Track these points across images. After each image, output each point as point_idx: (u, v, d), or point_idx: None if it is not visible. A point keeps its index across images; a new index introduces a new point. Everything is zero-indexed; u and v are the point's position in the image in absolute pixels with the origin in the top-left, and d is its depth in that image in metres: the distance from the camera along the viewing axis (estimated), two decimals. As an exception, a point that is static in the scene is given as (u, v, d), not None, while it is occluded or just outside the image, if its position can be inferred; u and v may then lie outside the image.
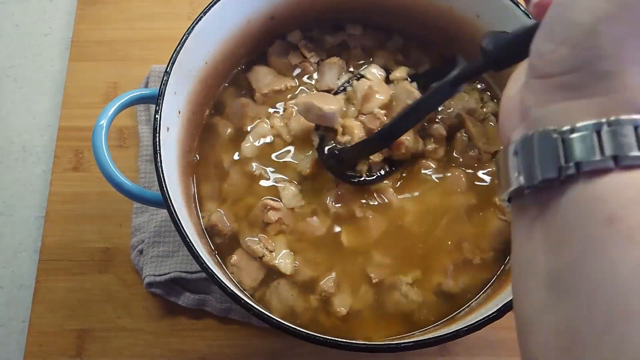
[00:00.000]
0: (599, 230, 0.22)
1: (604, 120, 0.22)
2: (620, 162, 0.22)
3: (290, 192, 0.52)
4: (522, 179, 0.25)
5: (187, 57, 0.48)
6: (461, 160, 0.55)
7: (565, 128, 0.23)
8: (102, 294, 0.57)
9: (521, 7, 0.50)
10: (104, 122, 0.45)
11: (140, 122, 0.63)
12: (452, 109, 0.56)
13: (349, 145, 0.50)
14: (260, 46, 0.58)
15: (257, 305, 0.42)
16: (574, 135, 0.23)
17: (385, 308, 0.50)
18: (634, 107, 0.22)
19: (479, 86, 0.59)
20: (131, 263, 0.58)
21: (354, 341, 0.42)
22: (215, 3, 0.49)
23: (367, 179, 0.51)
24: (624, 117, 0.22)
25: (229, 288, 0.41)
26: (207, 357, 0.55)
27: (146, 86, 0.64)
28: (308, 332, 0.41)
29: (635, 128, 0.22)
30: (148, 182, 0.60)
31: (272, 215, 0.51)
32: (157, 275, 0.55)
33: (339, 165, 0.51)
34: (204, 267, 0.41)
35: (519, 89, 0.27)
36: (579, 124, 0.23)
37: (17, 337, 0.57)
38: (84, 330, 0.56)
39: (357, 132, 0.50)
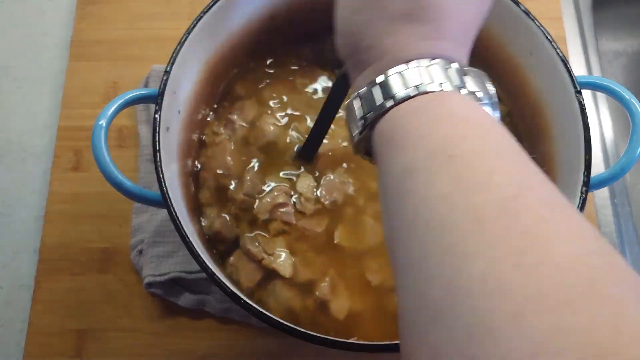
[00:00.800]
0: (385, 149, 0.29)
1: (382, 75, 0.30)
2: (396, 100, 0.29)
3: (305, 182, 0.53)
4: (353, 129, 0.33)
5: (187, 57, 0.48)
6: None
7: (364, 88, 0.31)
8: (102, 294, 0.57)
9: (521, 6, 0.50)
10: (103, 121, 0.45)
11: (140, 122, 0.63)
12: None
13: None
14: (260, 46, 0.58)
15: (257, 305, 0.42)
16: (369, 89, 0.31)
17: (386, 309, 0.49)
18: (398, 59, 0.30)
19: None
20: (131, 263, 0.58)
21: (354, 341, 0.42)
22: (215, 3, 0.49)
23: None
24: (390, 69, 0.30)
25: (229, 288, 0.41)
26: (206, 357, 0.55)
27: (146, 86, 0.64)
28: (308, 332, 0.40)
29: (400, 73, 0.30)
30: (148, 182, 0.60)
31: (282, 216, 0.51)
32: (157, 275, 0.55)
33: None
34: (203, 267, 0.41)
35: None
36: (369, 83, 0.31)
37: (17, 337, 0.57)
38: (84, 330, 0.56)
39: None
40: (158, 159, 0.44)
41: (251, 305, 0.40)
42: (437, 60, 0.30)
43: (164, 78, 0.46)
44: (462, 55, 0.32)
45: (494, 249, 0.22)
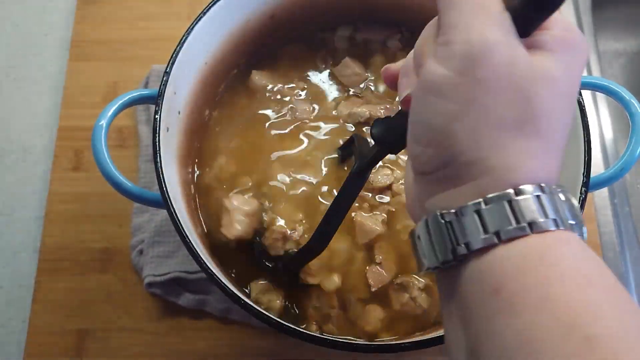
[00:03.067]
0: (488, 301, 0.24)
1: (480, 200, 0.25)
2: (502, 236, 0.24)
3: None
4: (426, 262, 0.28)
5: (187, 57, 0.48)
6: None
7: (452, 211, 0.26)
8: (102, 294, 0.57)
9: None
10: (103, 122, 0.45)
11: (140, 122, 0.63)
12: None
13: (290, 255, 0.49)
14: (260, 46, 0.58)
15: (257, 305, 0.42)
16: (459, 217, 0.26)
17: (391, 306, 0.49)
18: (504, 183, 0.25)
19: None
20: (131, 263, 0.58)
21: (354, 341, 0.42)
22: (215, 3, 0.49)
23: None
24: (494, 194, 0.25)
25: (229, 288, 0.41)
26: (206, 357, 0.55)
27: (146, 86, 0.64)
28: (308, 332, 0.40)
29: (509, 202, 0.25)
30: (148, 182, 0.60)
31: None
32: (157, 276, 0.55)
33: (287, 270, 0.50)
34: (203, 267, 0.41)
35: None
36: (459, 208, 0.26)
37: (17, 337, 0.57)
38: (84, 330, 0.56)
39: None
40: (158, 159, 0.44)
41: (251, 305, 0.40)
42: (547, 187, 0.25)
43: (164, 78, 0.46)
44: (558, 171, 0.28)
45: None
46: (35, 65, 0.69)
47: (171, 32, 0.55)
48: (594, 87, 0.49)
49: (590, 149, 0.45)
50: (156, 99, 0.46)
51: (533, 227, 0.24)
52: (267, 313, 0.41)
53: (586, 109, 0.46)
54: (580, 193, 0.44)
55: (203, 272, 0.41)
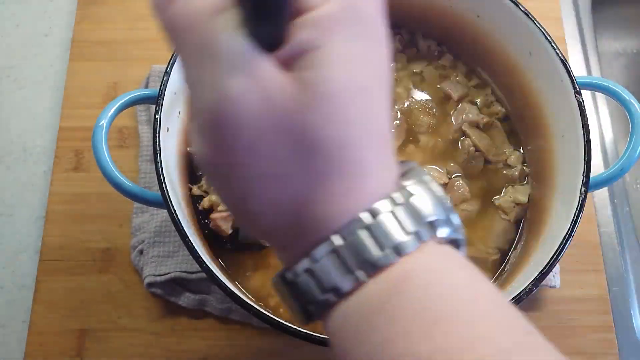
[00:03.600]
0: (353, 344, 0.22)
1: (334, 239, 0.22)
2: (367, 272, 0.22)
3: None
4: (297, 318, 0.24)
5: (187, 57, 0.48)
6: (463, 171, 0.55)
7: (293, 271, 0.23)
8: (103, 294, 0.57)
9: (521, 7, 0.50)
10: (104, 122, 0.45)
11: (140, 122, 0.63)
12: (453, 124, 0.56)
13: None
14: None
15: (257, 305, 0.42)
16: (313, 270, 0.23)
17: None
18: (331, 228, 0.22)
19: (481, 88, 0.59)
20: (131, 263, 0.58)
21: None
22: (215, 3, 0.49)
23: None
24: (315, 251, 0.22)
25: (229, 288, 0.41)
26: (207, 357, 0.55)
27: (146, 86, 0.64)
28: (308, 332, 0.41)
29: (367, 228, 0.22)
30: (148, 182, 0.60)
31: None
32: (158, 276, 0.55)
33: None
34: (204, 267, 0.41)
35: None
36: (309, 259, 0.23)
37: (18, 337, 0.57)
38: (85, 330, 0.56)
39: None
40: (158, 159, 0.44)
41: (251, 305, 0.40)
42: (398, 195, 0.22)
43: (164, 79, 0.46)
44: (394, 170, 0.24)
45: None
46: (35, 65, 0.69)
47: (171, 32, 0.55)
48: (594, 87, 0.49)
49: (590, 149, 0.45)
50: (156, 99, 0.46)
51: (397, 250, 0.21)
52: (267, 313, 0.41)
53: (586, 109, 0.46)
54: (580, 193, 0.44)
55: (203, 272, 0.41)
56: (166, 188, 0.43)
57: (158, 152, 0.44)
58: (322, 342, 0.40)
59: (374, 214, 0.22)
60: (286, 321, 0.41)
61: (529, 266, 0.46)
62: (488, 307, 0.22)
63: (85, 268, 0.58)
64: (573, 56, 0.69)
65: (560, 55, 0.48)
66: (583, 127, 0.46)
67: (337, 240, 0.22)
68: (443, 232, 0.23)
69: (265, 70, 0.20)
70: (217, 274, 0.41)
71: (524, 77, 0.53)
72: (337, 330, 0.22)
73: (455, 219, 0.24)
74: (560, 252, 0.42)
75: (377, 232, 0.21)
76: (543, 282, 0.42)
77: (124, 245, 0.59)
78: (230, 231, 0.51)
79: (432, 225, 0.22)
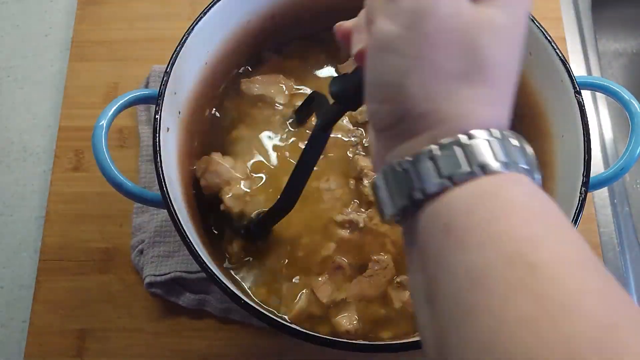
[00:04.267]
0: (441, 241, 0.25)
1: (433, 147, 0.26)
2: (455, 179, 0.25)
3: None
4: (386, 210, 0.28)
5: (187, 57, 0.48)
6: None
7: (407, 159, 0.27)
8: (103, 294, 0.57)
9: (521, 7, 0.50)
10: (104, 122, 0.45)
11: (140, 122, 0.63)
12: None
13: (259, 217, 0.50)
14: (261, 46, 0.58)
15: (257, 305, 0.42)
16: (414, 164, 0.26)
17: (391, 305, 0.50)
18: (456, 130, 0.26)
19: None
20: (131, 263, 0.58)
21: (354, 341, 0.42)
22: (215, 3, 0.49)
23: None
24: (447, 140, 0.26)
25: (229, 288, 0.41)
26: (207, 357, 0.55)
27: (146, 86, 0.64)
28: (308, 332, 0.41)
29: (461, 146, 0.25)
30: (148, 182, 0.60)
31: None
32: (158, 275, 0.55)
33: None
34: (203, 267, 0.41)
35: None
36: (414, 155, 0.27)
37: (18, 337, 0.57)
38: (84, 330, 0.56)
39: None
40: (158, 159, 0.44)
41: (251, 305, 0.40)
42: (498, 132, 0.26)
43: (164, 79, 0.46)
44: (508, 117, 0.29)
45: None
46: (35, 65, 0.69)
47: (172, 32, 0.55)
48: (594, 87, 0.49)
49: (590, 149, 0.45)
50: (156, 99, 0.46)
51: (484, 169, 0.25)
52: (267, 313, 0.41)
53: (586, 109, 0.46)
54: (580, 193, 0.44)
55: (203, 272, 0.41)
56: (166, 188, 0.43)
57: (158, 151, 0.44)
58: (323, 342, 0.40)
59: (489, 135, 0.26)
60: (286, 321, 0.41)
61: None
62: (573, 235, 0.24)
63: (85, 268, 0.58)
64: (573, 56, 0.69)
65: (560, 55, 0.48)
66: (583, 127, 0.46)
67: (463, 138, 0.26)
68: (529, 175, 0.26)
69: None
70: (217, 274, 0.41)
71: (523, 76, 0.53)
72: (424, 226, 0.26)
73: (538, 178, 0.27)
74: (560, 252, 0.42)
75: (483, 147, 0.26)
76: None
77: (124, 245, 0.59)
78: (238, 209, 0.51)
79: (518, 167, 0.26)
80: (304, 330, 0.41)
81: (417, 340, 0.41)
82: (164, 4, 0.69)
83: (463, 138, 0.26)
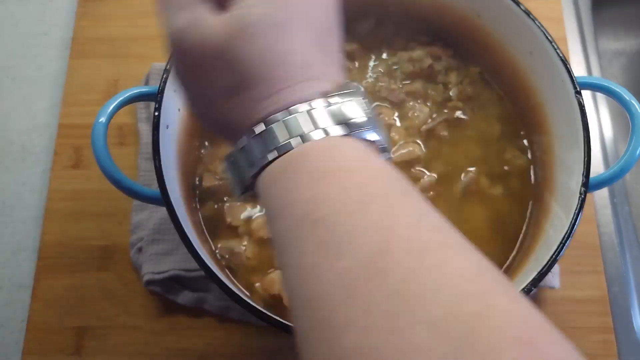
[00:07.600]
0: (268, 212, 0.28)
1: (257, 128, 0.29)
2: (277, 152, 0.28)
3: None
4: (235, 192, 0.31)
5: (187, 55, 0.48)
6: None
7: (238, 147, 0.30)
8: (101, 291, 0.57)
9: (522, 6, 0.50)
10: (103, 119, 0.45)
11: (140, 119, 0.63)
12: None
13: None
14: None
15: (256, 304, 0.42)
16: (242, 151, 0.30)
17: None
18: (279, 109, 0.29)
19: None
20: (130, 261, 0.58)
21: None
22: (215, 1, 0.49)
23: None
24: (273, 117, 0.28)
25: (228, 287, 0.41)
26: (205, 355, 0.55)
27: (146, 84, 0.64)
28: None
29: (284, 123, 0.28)
30: (148, 180, 0.60)
31: None
32: (156, 273, 0.55)
33: None
34: (202, 265, 0.41)
35: None
36: (241, 144, 0.30)
37: (17, 336, 0.57)
38: (83, 327, 0.56)
39: None
40: (158, 156, 0.44)
41: (250, 304, 0.40)
42: (321, 101, 0.28)
43: (164, 76, 0.46)
44: (331, 72, 0.30)
45: (365, 316, 0.21)
46: (35, 64, 0.69)
47: (171, 30, 0.55)
48: (594, 87, 0.49)
49: (590, 149, 0.45)
50: (156, 97, 0.46)
51: (303, 138, 0.27)
52: (266, 312, 0.41)
53: (586, 109, 0.46)
54: (580, 193, 0.44)
55: (202, 270, 0.41)
56: (165, 185, 0.43)
57: (157, 149, 0.44)
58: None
59: (291, 112, 0.28)
60: (286, 319, 0.41)
61: (528, 266, 0.46)
62: (381, 186, 0.26)
63: (84, 266, 0.58)
64: (573, 56, 0.69)
65: (561, 55, 0.48)
66: (583, 127, 0.46)
67: (258, 129, 0.28)
68: (359, 134, 0.28)
69: (202, 12, 0.29)
70: (216, 272, 0.41)
71: (524, 76, 0.53)
72: (260, 196, 0.29)
73: (374, 134, 0.29)
74: (559, 253, 0.42)
75: (289, 124, 0.28)
76: (543, 283, 0.42)
77: (122, 243, 0.59)
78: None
79: (348, 126, 0.28)
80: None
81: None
82: (164, 1, 0.69)
83: (282, 115, 0.28)
